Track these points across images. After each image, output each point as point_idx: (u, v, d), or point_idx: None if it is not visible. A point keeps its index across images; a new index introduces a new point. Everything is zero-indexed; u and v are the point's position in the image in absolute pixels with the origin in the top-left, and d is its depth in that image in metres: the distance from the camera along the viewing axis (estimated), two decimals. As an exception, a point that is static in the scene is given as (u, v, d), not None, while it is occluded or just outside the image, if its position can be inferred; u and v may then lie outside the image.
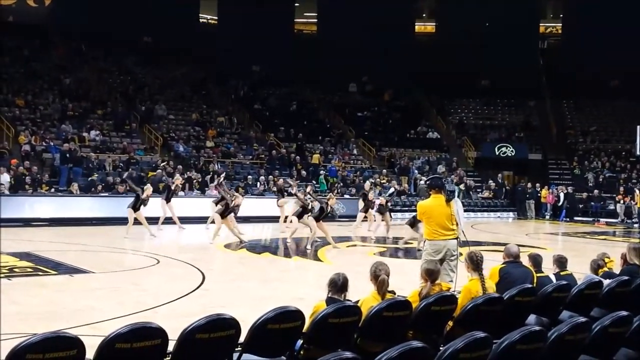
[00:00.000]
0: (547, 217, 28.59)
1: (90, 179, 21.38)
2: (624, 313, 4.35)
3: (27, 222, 17.53)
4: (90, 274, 10.38)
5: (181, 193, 21.54)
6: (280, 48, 34.73)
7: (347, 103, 36.02)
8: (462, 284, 6.14)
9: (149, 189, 16.80)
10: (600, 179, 30.55)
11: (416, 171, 29.33)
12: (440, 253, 7.49)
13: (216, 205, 16.12)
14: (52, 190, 20.58)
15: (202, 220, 19.53)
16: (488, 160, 32.42)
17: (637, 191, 25.32)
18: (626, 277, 6.19)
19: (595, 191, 28.78)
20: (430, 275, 5.29)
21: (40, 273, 10.20)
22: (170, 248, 14.73)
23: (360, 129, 33.64)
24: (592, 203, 28.40)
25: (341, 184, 26.67)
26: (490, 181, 30.55)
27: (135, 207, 15.92)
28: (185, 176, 22.34)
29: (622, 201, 27.49)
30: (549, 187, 29.37)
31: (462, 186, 27.98)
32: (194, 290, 9.14)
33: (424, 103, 37.53)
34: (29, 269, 10.43)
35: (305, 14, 41.57)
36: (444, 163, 31.36)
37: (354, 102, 36.16)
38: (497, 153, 32.31)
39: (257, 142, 29.23)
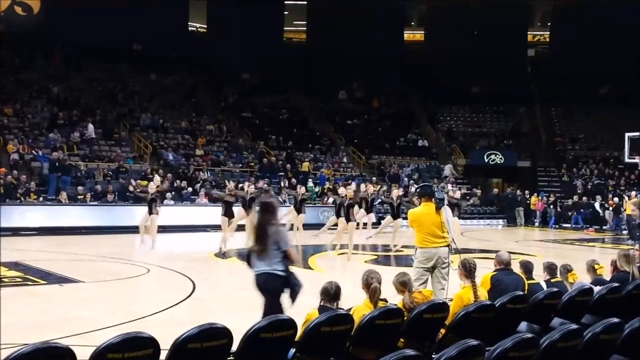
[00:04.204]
0: (537, 224, 28.71)
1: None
2: (615, 320, 4.37)
3: (15, 232, 17.41)
4: (80, 283, 10.32)
5: (170, 202, 21.49)
6: (269, 56, 34.78)
7: (337, 111, 36.10)
8: (453, 291, 6.16)
9: (151, 187, 16.42)
10: (589, 186, 30.72)
11: (406, 179, 29.39)
12: (431, 261, 7.51)
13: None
14: (41, 199, 20.50)
15: (192, 229, 19.52)
16: (477, 167, 32.55)
17: (626, 198, 25.40)
18: (616, 284, 6.22)
19: (584, 198, 28.90)
20: (405, 286, 5.30)
21: (29, 283, 10.13)
22: (161, 257, 14.65)
23: (350, 136, 33.71)
24: (582, 210, 28.50)
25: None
26: (486, 189, 30.72)
27: (151, 212, 15.63)
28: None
29: (611, 208, 27.60)
30: (539, 194, 29.51)
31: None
32: (185, 299, 9.11)
33: (414, 111, 37.65)
34: (18, 279, 10.36)
35: (294, 22, 41.64)
36: (448, 169, 31.59)
37: (344, 110, 36.23)
38: (486, 160, 32.43)
39: (247, 150, 29.22)
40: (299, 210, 17.37)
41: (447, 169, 31.74)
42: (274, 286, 5.71)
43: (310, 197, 24.68)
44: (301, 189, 18.40)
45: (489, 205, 30.03)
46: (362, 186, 18.58)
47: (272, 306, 5.56)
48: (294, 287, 5.73)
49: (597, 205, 28.19)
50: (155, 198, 15.66)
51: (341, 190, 15.72)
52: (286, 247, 5.85)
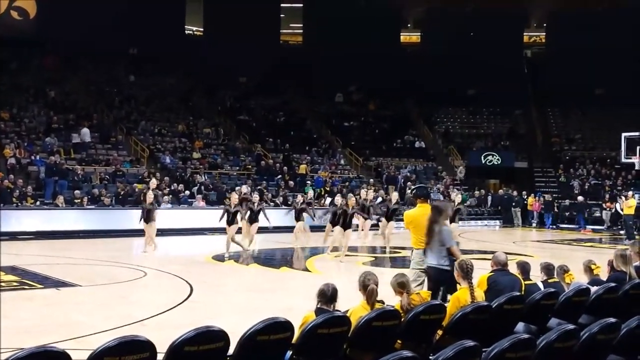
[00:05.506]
0: (534, 224, 28.72)
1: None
2: (612, 320, 4.37)
3: (12, 236, 17.33)
4: (77, 287, 10.29)
5: (168, 205, 21.44)
6: (266, 59, 34.78)
7: (334, 113, 36.11)
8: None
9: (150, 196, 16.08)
10: (586, 186, 30.75)
11: (402, 180, 29.37)
12: (428, 262, 7.50)
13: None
14: (38, 203, 20.45)
15: (189, 232, 19.48)
16: (475, 169, 32.59)
17: (623, 198, 25.43)
18: (613, 284, 6.23)
19: (581, 198, 28.90)
20: (404, 287, 5.29)
21: (26, 287, 10.11)
22: (158, 260, 14.62)
23: (347, 138, 33.71)
24: (575, 211, 28.48)
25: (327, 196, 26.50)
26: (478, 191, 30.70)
27: (146, 219, 15.25)
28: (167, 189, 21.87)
29: (608, 208, 27.61)
30: (535, 195, 29.52)
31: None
32: (182, 303, 9.09)
33: (411, 112, 37.67)
34: (15, 283, 10.34)
35: (291, 24, 41.66)
36: (461, 171, 31.76)
37: (341, 112, 36.24)
38: (483, 162, 32.50)
39: (244, 153, 29.20)
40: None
41: (461, 171, 31.92)
42: (439, 278, 6.81)
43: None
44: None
45: (486, 206, 30.01)
46: (363, 192, 18.55)
47: (435, 293, 6.57)
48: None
49: (618, 206, 26.18)
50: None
51: (337, 200, 15.68)
52: (449, 245, 6.84)
